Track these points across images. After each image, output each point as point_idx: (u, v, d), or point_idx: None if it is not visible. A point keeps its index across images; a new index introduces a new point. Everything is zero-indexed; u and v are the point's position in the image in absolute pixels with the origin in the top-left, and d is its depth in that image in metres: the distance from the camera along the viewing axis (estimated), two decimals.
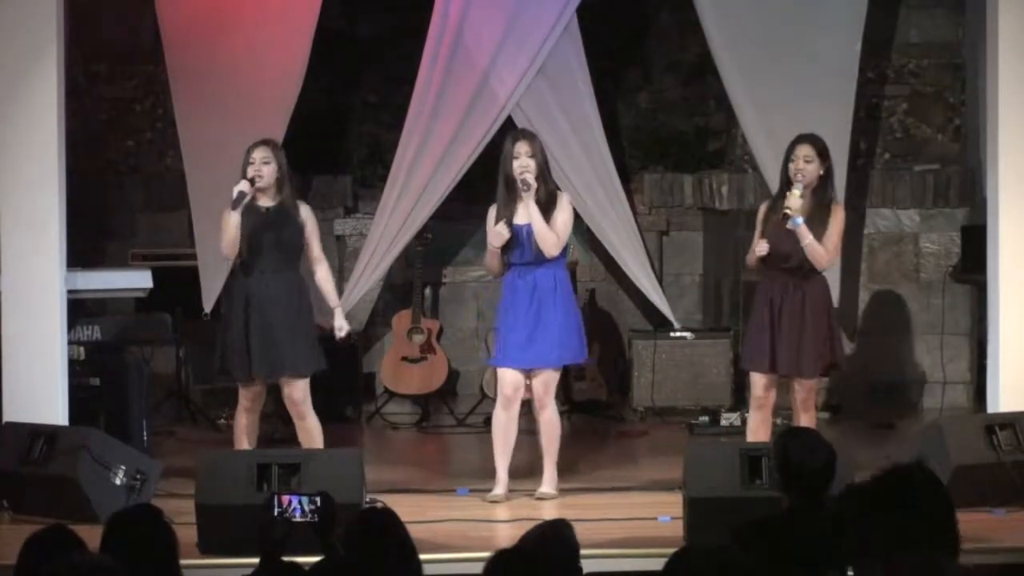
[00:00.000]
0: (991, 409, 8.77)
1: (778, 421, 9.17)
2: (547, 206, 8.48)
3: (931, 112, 11.65)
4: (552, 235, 8.48)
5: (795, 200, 8.31)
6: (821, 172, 8.43)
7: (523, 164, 8.45)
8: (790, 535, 5.31)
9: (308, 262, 8.51)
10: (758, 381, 8.52)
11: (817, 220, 8.40)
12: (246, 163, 8.35)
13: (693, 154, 11.72)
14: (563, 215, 8.53)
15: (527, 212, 8.45)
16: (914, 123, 11.64)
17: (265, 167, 8.34)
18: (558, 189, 8.74)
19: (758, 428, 8.55)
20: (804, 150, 8.44)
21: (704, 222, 11.50)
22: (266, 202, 8.39)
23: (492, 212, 8.58)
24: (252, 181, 8.26)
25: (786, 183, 8.43)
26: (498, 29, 9.93)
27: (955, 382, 11.36)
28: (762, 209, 8.61)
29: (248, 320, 8.34)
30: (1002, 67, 8.71)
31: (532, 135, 8.74)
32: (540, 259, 8.50)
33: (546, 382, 8.60)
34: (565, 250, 8.64)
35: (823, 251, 8.42)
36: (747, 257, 8.59)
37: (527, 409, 8.71)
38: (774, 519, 5.58)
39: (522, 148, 8.51)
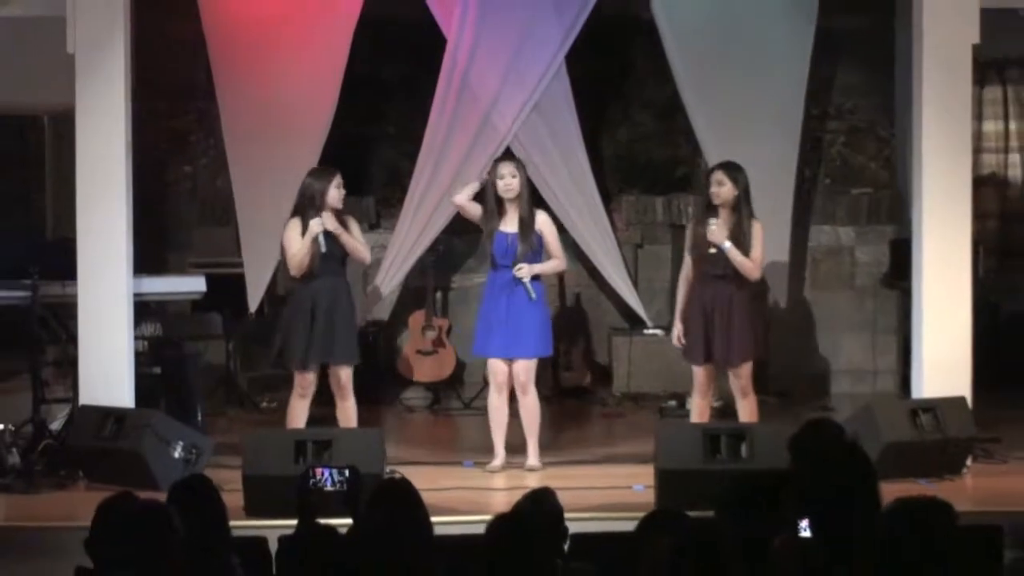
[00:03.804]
0: (915, 395, 8.79)
1: (715, 404, 9.20)
2: (528, 222, 8.58)
3: (865, 144, 11.68)
4: (556, 263, 8.77)
5: (715, 233, 8.38)
6: (736, 192, 8.50)
7: (504, 185, 8.56)
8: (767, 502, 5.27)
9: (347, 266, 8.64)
10: (699, 372, 8.57)
11: (741, 234, 8.46)
12: (329, 189, 8.45)
13: (664, 179, 11.75)
14: (549, 232, 8.71)
15: (512, 221, 8.60)
16: (851, 153, 11.67)
17: (343, 193, 8.57)
18: (537, 208, 8.87)
19: (702, 411, 8.61)
20: (717, 176, 8.57)
21: (672, 237, 11.52)
22: (330, 225, 8.51)
23: (473, 189, 8.86)
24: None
25: (708, 206, 8.51)
26: (499, 72, 9.93)
27: (884, 372, 11.39)
28: (689, 229, 8.70)
29: (314, 319, 8.44)
30: (925, 107, 8.74)
31: (516, 159, 8.84)
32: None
33: (528, 369, 8.65)
34: (539, 258, 8.72)
35: (751, 265, 8.51)
36: (682, 280, 8.70)
37: (512, 396, 8.74)
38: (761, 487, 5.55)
39: (506, 169, 8.69)
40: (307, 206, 8.51)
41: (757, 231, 8.55)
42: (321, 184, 8.52)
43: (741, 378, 8.55)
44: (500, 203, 8.68)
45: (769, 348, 8.90)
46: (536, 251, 8.67)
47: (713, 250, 8.41)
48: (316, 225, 8.43)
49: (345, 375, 8.55)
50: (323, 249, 8.46)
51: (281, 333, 8.61)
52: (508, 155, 9.09)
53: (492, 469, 8.64)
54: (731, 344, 8.48)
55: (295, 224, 8.52)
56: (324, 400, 8.76)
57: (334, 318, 8.48)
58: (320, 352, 8.49)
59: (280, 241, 8.69)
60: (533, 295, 8.61)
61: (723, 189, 8.49)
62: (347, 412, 8.57)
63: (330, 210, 8.52)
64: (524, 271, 8.58)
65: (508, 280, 8.64)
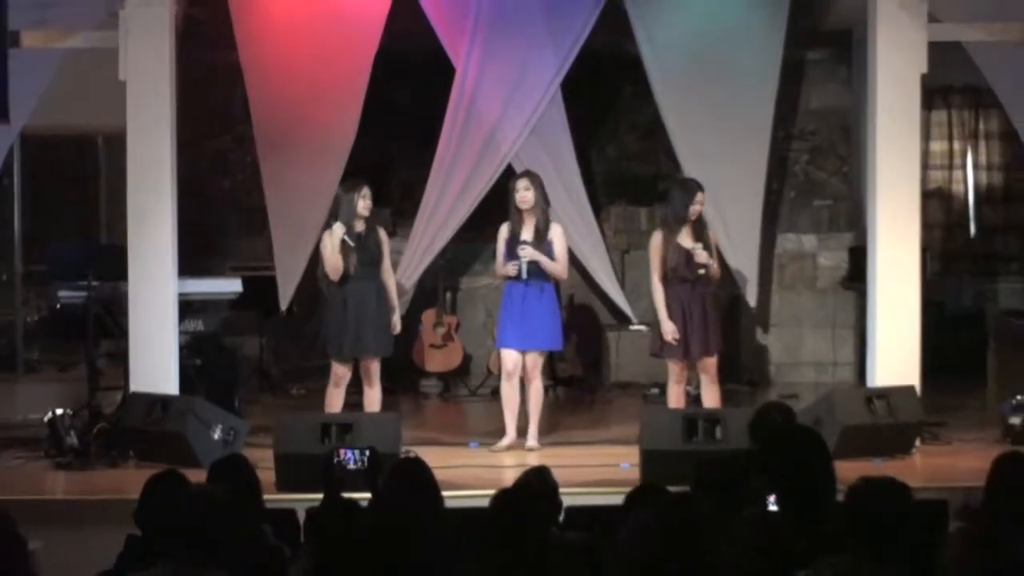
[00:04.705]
0: (870, 384, 8.80)
1: (693, 392, 9.20)
2: (543, 232, 8.57)
3: (826, 161, 11.67)
4: (556, 266, 8.63)
5: (705, 256, 8.45)
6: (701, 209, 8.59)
7: (520, 197, 8.53)
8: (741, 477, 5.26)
9: (381, 272, 8.62)
10: (676, 365, 8.60)
11: (705, 243, 8.51)
12: (356, 199, 8.45)
13: (647, 192, 11.75)
14: (559, 244, 8.65)
15: (529, 232, 8.58)
16: (813, 169, 11.66)
17: (369, 203, 8.53)
18: (552, 219, 8.79)
19: (679, 398, 8.63)
20: (701, 196, 8.57)
21: None
22: (359, 227, 8.49)
23: (504, 228, 8.69)
24: (349, 224, 8.44)
25: (683, 218, 8.49)
26: (501, 98, 9.94)
27: (843, 363, 11.39)
28: (658, 239, 8.62)
29: (347, 315, 8.43)
30: (879, 128, 8.76)
31: (532, 175, 8.83)
32: (532, 270, 8.57)
33: (535, 360, 8.67)
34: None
35: (718, 271, 8.64)
36: (656, 287, 8.62)
37: (520, 384, 8.76)
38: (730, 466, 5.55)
39: (520, 183, 8.68)
40: (338, 215, 8.54)
41: (714, 239, 8.70)
42: (348, 195, 8.54)
43: (712, 367, 8.58)
44: (520, 214, 8.66)
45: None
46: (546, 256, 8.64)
47: (702, 270, 8.47)
48: (338, 228, 8.44)
49: (374, 366, 8.56)
50: (351, 245, 8.45)
51: (321, 330, 8.64)
52: (524, 172, 9.07)
53: (499, 448, 8.65)
54: (709, 337, 8.52)
55: (327, 232, 8.54)
56: (349, 388, 8.76)
57: (366, 316, 8.48)
58: (357, 347, 8.50)
59: (316, 249, 8.75)
60: (524, 275, 8.56)
61: (701, 207, 8.56)
62: (373, 398, 8.59)
63: (359, 218, 8.53)
64: (527, 251, 8.56)
65: (522, 283, 8.63)
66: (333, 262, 8.44)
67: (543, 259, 8.59)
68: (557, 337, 8.77)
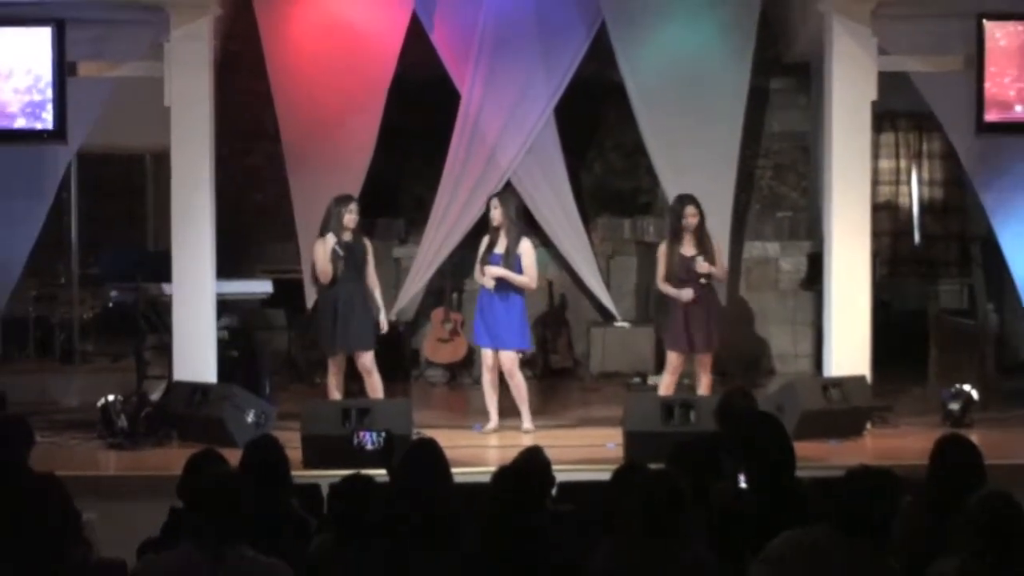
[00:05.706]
0: (826, 374, 8.81)
1: (684, 381, 9.20)
2: (512, 248, 8.53)
3: (787, 178, 11.67)
4: (523, 279, 8.55)
5: (706, 267, 8.46)
6: (701, 219, 8.53)
7: (491, 216, 8.58)
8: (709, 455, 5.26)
9: (366, 276, 8.58)
10: (676, 357, 8.58)
11: (704, 250, 8.50)
12: (344, 213, 8.43)
13: (630, 205, 11.74)
14: (527, 259, 8.57)
15: (502, 245, 8.54)
16: (776, 185, 11.66)
17: (354, 216, 8.44)
18: (523, 235, 8.69)
19: (669, 387, 8.62)
20: (691, 208, 8.58)
21: (637, 250, 11.51)
22: (347, 237, 8.45)
23: (484, 241, 8.68)
24: (338, 234, 8.40)
25: (679, 229, 8.50)
26: (501, 121, 9.93)
27: (802, 356, 11.37)
28: (663, 249, 8.63)
29: (337, 315, 8.40)
30: (834, 149, 8.77)
31: (502, 196, 8.81)
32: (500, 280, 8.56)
33: (509, 358, 8.60)
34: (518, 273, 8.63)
35: (724, 273, 8.74)
36: (661, 285, 8.61)
37: (503, 376, 8.70)
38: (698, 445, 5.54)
39: (490, 204, 8.74)
40: (328, 226, 8.51)
41: (717, 247, 8.72)
42: (338, 209, 8.51)
43: (708, 361, 8.60)
44: (495, 230, 8.64)
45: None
46: (515, 270, 8.56)
47: (704, 280, 8.47)
48: (330, 238, 8.43)
49: (366, 358, 8.51)
50: (341, 254, 8.42)
51: (315, 328, 8.62)
52: (495, 193, 9.06)
53: (487, 431, 8.63)
54: (711, 333, 8.53)
55: (320, 241, 8.51)
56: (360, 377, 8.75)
57: (352, 315, 8.44)
58: (344, 342, 8.46)
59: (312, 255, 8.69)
60: (490, 287, 8.53)
61: (696, 218, 8.57)
62: (373, 385, 8.56)
63: (346, 229, 8.49)
64: (488, 281, 8.53)
65: (492, 290, 8.61)
66: (324, 268, 8.43)
67: (509, 276, 8.52)
68: (524, 338, 8.69)
